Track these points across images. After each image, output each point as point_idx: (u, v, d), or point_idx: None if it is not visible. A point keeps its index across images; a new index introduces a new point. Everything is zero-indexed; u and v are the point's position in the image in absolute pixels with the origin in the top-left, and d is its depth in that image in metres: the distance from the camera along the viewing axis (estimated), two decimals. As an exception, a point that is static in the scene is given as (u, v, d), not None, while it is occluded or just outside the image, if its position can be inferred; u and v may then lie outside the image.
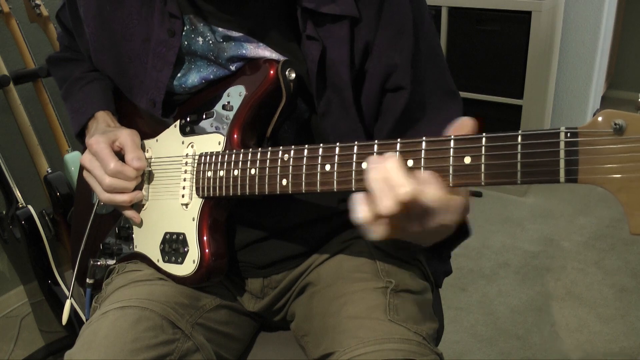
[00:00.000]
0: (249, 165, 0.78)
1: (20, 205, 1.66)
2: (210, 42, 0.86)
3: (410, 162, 0.64)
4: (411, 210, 0.61)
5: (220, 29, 0.84)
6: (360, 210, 0.62)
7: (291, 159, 0.74)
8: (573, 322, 1.94)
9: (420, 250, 0.79)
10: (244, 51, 0.85)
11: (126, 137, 0.91)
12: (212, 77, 0.88)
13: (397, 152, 0.65)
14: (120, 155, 0.90)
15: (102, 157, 0.88)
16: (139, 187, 0.92)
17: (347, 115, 0.85)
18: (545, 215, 2.58)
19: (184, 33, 0.86)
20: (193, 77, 0.89)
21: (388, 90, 0.86)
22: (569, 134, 0.55)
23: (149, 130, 0.95)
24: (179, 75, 0.90)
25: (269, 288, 0.96)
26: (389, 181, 0.61)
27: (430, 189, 0.60)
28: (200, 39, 0.86)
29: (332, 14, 0.80)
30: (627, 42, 3.68)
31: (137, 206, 0.94)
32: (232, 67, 0.87)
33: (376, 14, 0.81)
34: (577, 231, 2.45)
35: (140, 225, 0.94)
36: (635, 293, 2.06)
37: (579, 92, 2.85)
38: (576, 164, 0.55)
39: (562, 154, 0.55)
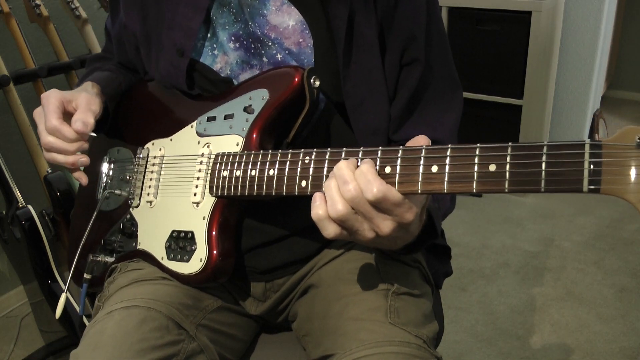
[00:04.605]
0: (267, 166, 0.78)
1: (20, 205, 1.65)
2: None
3: (434, 168, 0.65)
4: (359, 210, 0.67)
5: None
6: (315, 207, 0.69)
7: (312, 161, 0.74)
8: (573, 322, 1.94)
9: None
10: (265, 11, 0.85)
11: (82, 99, 0.90)
12: (240, 32, 0.88)
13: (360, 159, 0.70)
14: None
15: (46, 111, 0.87)
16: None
17: (369, 81, 0.86)
18: (545, 215, 2.58)
19: None
20: (222, 35, 0.89)
21: (404, 65, 0.87)
22: (593, 146, 0.57)
23: (163, 129, 0.96)
24: (208, 36, 0.90)
25: (270, 292, 0.96)
26: (339, 180, 0.67)
27: (372, 185, 0.65)
28: None
29: None
30: (627, 42, 3.68)
31: (146, 204, 0.94)
32: (253, 25, 0.87)
33: None
34: (577, 231, 2.45)
35: (143, 221, 0.94)
36: (635, 293, 2.06)
37: (579, 92, 2.84)
38: (599, 174, 0.56)
39: (586, 164, 0.57)
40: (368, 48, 0.85)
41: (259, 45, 0.88)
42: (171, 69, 0.91)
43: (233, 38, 0.89)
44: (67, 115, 0.89)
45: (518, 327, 1.92)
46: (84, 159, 0.89)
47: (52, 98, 0.87)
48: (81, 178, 0.91)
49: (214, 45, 0.90)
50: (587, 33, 2.73)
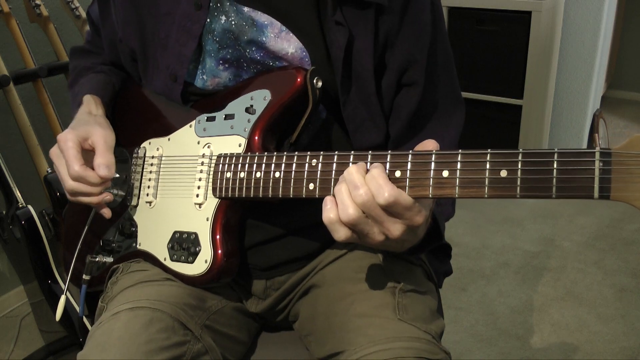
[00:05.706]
0: (273, 169, 0.78)
1: (20, 205, 1.65)
2: (233, 23, 0.85)
3: (445, 173, 0.66)
4: (370, 214, 0.67)
5: (245, 9, 0.84)
6: (326, 210, 0.69)
7: (320, 164, 0.74)
8: (573, 322, 1.94)
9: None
10: (263, 38, 0.84)
11: (99, 137, 0.89)
12: (228, 56, 0.87)
13: (369, 162, 0.70)
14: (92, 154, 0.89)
15: (66, 157, 0.87)
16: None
17: (369, 104, 0.86)
18: (545, 215, 2.58)
19: (209, 9, 0.86)
20: (209, 62, 0.88)
21: (404, 85, 0.87)
22: (603, 154, 0.58)
23: (160, 129, 0.95)
24: (200, 59, 0.89)
25: (271, 289, 0.96)
26: (349, 184, 0.68)
27: (384, 190, 0.66)
28: (223, 17, 0.86)
29: (361, 0, 0.80)
30: (627, 42, 3.68)
31: (145, 204, 0.94)
32: (250, 51, 0.86)
33: (402, 8, 0.82)
34: (577, 231, 2.45)
35: (143, 222, 0.94)
36: (635, 293, 2.06)
37: (579, 92, 2.84)
38: (609, 182, 0.58)
39: (596, 172, 0.58)
40: (367, 75, 0.84)
41: (259, 66, 0.87)
42: (165, 89, 0.91)
43: (221, 61, 0.88)
44: (84, 153, 0.89)
45: (518, 327, 1.92)
46: (108, 197, 0.90)
47: (69, 142, 0.87)
48: (105, 213, 0.92)
49: (203, 70, 0.90)
50: (587, 33, 2.73)
